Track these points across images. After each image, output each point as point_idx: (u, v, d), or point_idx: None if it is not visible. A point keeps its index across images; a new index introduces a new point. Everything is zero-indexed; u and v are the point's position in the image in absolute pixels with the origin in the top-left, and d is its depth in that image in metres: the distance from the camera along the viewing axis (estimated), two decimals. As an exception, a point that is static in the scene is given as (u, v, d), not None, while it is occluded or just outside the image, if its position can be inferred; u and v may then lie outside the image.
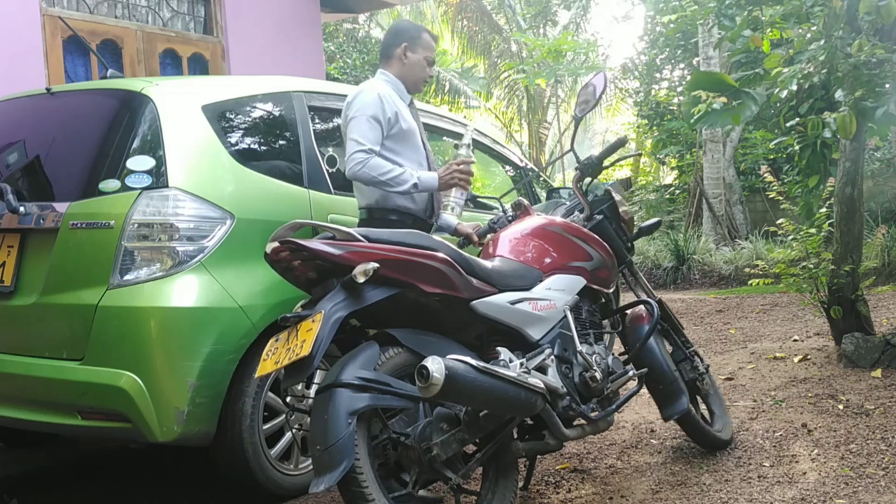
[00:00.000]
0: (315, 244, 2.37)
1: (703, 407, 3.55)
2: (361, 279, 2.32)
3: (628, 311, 3.35)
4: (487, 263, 2.82)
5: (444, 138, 4.54)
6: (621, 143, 3.30)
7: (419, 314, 2.57)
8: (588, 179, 3.38)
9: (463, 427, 2.44)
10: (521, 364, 2.61)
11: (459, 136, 3.88)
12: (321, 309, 2.30)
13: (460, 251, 2.67)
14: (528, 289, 2.84)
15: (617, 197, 3.41)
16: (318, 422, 2.25)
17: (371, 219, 3.35)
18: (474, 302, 2.63)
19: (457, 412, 2.47)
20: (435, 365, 2.19)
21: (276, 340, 2.39)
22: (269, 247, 2.41)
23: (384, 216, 3.33)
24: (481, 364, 2.36)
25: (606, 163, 3.34)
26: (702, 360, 3.52)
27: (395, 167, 3.23)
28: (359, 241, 2.42)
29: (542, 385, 2.54)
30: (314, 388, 2.69)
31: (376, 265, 2.35)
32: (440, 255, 2.53)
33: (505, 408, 2.48)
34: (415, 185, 3.23)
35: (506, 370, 2.46)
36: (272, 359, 2.35)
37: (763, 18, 4.70)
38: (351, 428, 2.21)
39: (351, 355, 2.37)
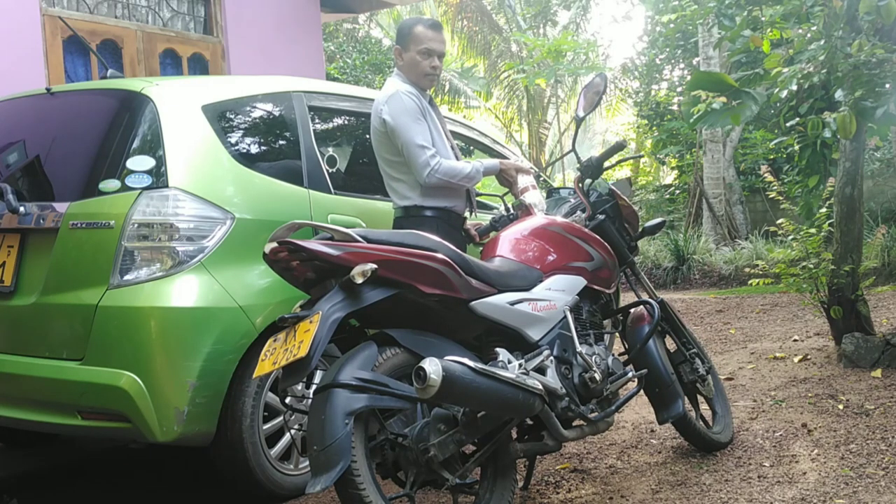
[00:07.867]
0: (313, 245, 2.36)
1: (704, 407, 3.56)
2: (359, 280, 2.31)
3: (629, 312, 3.35)
4: (487, 264, 2.81)
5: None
6: (620, 146, 3.33)
7: (418, 315, 2.57)
8: (588, 181, 3.40)
9: (460, 428, 2.44)
10: (520, 365, 2.61)
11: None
12: (319, 310, 2.30)
13: (460, 252, 2.66)
14: (527, 289, 2.84)
15: (621, 196, 3.42)
16: (316, 422, 2.25)
17: (407, 216, 3.40)
18: (473, 302, 2.62)
19: (454, 413, 2.46)
20: (432, 366, 2.19)
21: (275, 341, 2.39)
22: (268, 247, 2.41)
23: (420, 213, 3.39)
24: (479, 365, 2.36)
25: (606, 164, 3.36)
26: (704, 360, 3.49)
27: (462, 166, 3.37)
28: (357, 241, 2.42)
29: (540, 386, 2.54)
30: (314, 388, 2.69)
31: (374, 266, 2.34)
32: (439, 255, 2.53)
33: (503, 409, 2.47)
34: (482, 173, 3.44)
35: (504, 371, 2.45)
36: (270, 359, 2.34)
37: (763, 18, 4.70)
38: (348, 429, 2.20)
39: (349, 356, 2.36)
